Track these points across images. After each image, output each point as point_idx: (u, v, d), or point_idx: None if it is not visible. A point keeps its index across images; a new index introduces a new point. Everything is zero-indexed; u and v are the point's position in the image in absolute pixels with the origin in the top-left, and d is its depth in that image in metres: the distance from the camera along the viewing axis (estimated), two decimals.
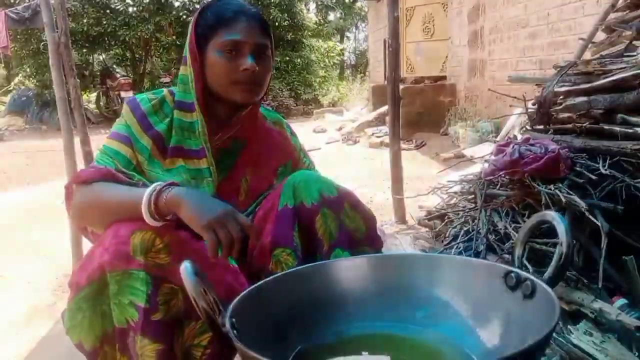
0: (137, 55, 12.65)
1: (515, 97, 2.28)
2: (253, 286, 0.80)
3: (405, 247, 2.19)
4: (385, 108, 7.39)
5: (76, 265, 1.03)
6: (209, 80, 1.15)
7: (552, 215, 0.83)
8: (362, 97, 12.51)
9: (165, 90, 1.23)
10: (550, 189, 1.60)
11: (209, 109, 1.19)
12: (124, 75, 11.57)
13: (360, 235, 1.11)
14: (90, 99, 13.17)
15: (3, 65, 14.30)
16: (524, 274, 0.79)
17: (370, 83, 11.39)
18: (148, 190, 0.98)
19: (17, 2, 9.54)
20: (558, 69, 2.13)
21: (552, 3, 4.46)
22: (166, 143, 1.16)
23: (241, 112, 1.21)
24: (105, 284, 0.95)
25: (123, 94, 10.42)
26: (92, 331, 0.95)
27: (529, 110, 2.15)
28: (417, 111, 6.71)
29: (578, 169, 1.65)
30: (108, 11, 10.38)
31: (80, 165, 2.56)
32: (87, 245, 2.51)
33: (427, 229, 2.39)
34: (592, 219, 1.49)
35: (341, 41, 20.37)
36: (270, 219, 1.10)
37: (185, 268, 0.67)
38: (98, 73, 12.28)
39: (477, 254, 1.70)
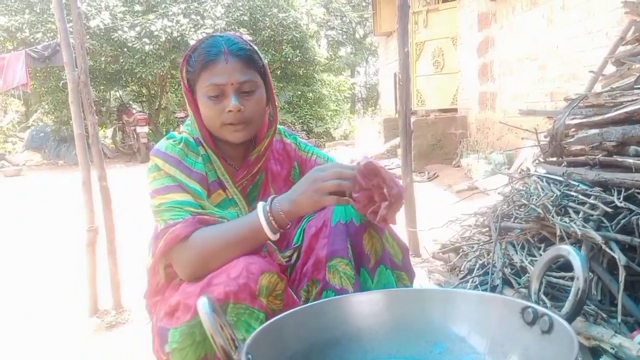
0: (152, 92, 12.93)
1: (527, 130, 2.30)
2: (268, 322, 0.81)
3: (420, 281, 2.17)
4: (396, 140, 7.43)
5: (190, 288, 1.01)
6: (204, 121, 1.19)
7: (567, 250, 0.82)
8: (373, 129, 12.62)
9: (184, 133, 1.23)
10: (565, 222, 1.59)
11: (222, 148, 1.24)
12: (140, 111, 11.81)
13: (398, 261, 1.18)
14: (106, 134, 13.42)
15: (22, 102, 14.70)
16: (541, 309, 0.79)
17: (382, 116, 11.49)
18: (259, 213, 1.03)
19: (37, 41, 9.85)
20: (569, 101, 2.15)
21: (561, 36, 4.52)
22: (209, 179, 1.19)
23: (260, 148, 1.25)
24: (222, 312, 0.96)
25: (139, 129, 10.61)
26: (194, 356, 0.97)
27: (541, 142, 2.16)
28: (429, 143, 6.74)
29: (592, 201, 1.64)
30: (125, 49, 10.67)
31: (98, 200, 2.58)
32: (103, 281, 2.51)
33: (441, 263, 2.37)
34: (610, 251, 1.47)
35: (352, 75, 20.68)
36: (323, 234, 1.15)
37: (203, 304, 0.68)
38: (115, 109, 12.55)
39: (493, 288, 1.68)
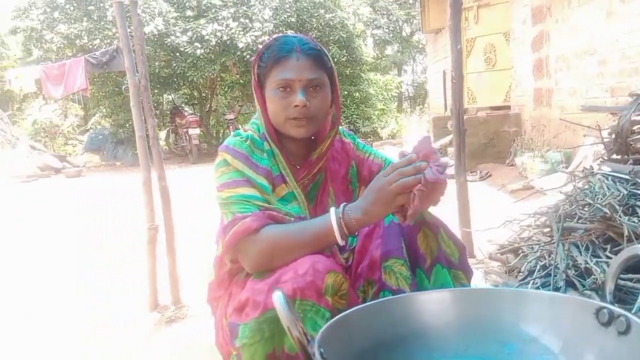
0: (203, 94, 13.25)
1: (589, 127, 2.22)
2: (337, 317, 0.82)
3: (476, 282, 2.13)
4: (447, 139, 7.31)
5: (258, 286, 1.05)
6: (270, 116, 1.23)
7: None
8: (421, 128, 12.45)
9: (248, 130, 1.28)
10: (633, 222, 1.53)
11: (284, 144, 1.27)
12: (191, 114, 12.13)
13: (455, 260, 1.17)
14: (160, 136, 13.87)
15: (81, 106, 15.41)
16: (617, 309, 0.77)
17: (430, 114, 11.34)
18: (332, 217, 1.06)
19: (95, 47, 10.29)
20: (634, 97, 2.06)
21: (621, 29, 4.32)
22: (273, 173, 1.23)
23: (322, 148, 1.26)
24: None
25: (191, 131, 10.90)
26: (263, 351, 1.00)
27: (605, 139, 2.09)
28: (481, 142, 6.60)
29: None
30: (178, 54, 10.98)
31: (157, 199, 2.67)
32: (163, 277, 2.58)
33: (498, 264, 2.32)
34: None
35: (399, 74, 20.49)
36: (377, 234, 1.17)
37: (279, 297, 0.70)
38: (168, 112, 12.94)
39: (556, 290, 1.64)
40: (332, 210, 1.07)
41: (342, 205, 1.07)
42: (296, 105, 1.17)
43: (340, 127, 1.40)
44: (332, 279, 1.01)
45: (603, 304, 0.78)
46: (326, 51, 1.26)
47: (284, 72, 1.18)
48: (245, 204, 1.13)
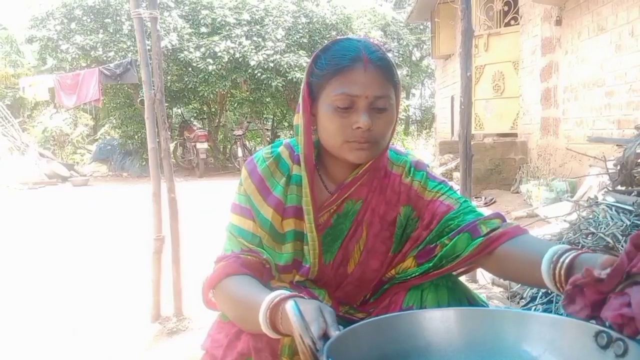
0: (213, 109, 13.39)
1: (595, 157, 2.25)
2: (347, 329, 0.85)
3: None
4: (453, 164, 7.36)
5: (219, 337, 1.02)
6: (320, 135, 1.04)
7: None
8: (427, 152, 12.51)
9: (282, 146, 1.11)
10: None
11: (325, 165, 1.10)
12: (200, 128, 12.27)
13: None
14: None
15: (92, 116, 15.58)
16: (615, 333, 0.79)
17: (437, 138, 11.40)
18: (263, 307, 0.86)
19: (109, 59, 10.45)
20: (639, 129, 2.10)
21: (629, 63, 4.38)
22: (285, 205, 1.07)
23: (360, 170, 1.07)
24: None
25: (199, 145, 11.02)
26: None
27: (610, 170, 2.12)
28: (487, 168, 6.64)
29: None
30: (190, 69, 11.12)
31: (166, 210, 2.70)
32: (166, 288, 2.60)
33: (501, 289, 2.34)
34: None
35: (407, 97, 20.64)
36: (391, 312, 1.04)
37: (292, 307, 0.73)
38: (177, 125, 13.07)
39: None
40: (271, 297, 0.86)
41: (284, 296, 0.85)
42: (358, 127, 0.97)
43: (409, 158, 1.14)
44: (289, 339, 0.90)
45: (602, 328, 0.81)
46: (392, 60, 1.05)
47: (347, 85, 0.97)
48: (233, 240, 1.07)
